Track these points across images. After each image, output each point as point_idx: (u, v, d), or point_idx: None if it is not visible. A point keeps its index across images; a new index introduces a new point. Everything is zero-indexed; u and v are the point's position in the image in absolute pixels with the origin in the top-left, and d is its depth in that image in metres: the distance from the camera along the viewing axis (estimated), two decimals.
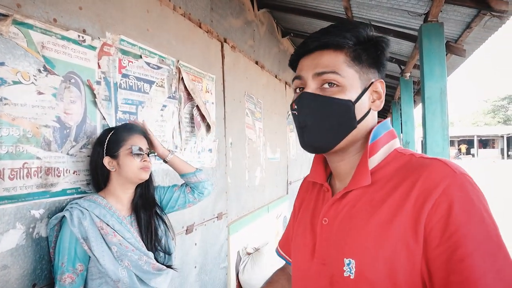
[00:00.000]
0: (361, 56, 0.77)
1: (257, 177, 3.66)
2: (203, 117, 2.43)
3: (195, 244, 2.41)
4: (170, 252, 1.54)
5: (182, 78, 2.21)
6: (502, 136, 37.34)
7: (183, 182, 1.69)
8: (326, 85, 0.76)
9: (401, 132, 6.85)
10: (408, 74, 5.71)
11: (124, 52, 1.74)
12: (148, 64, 1.91)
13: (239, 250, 3.29)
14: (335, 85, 0.75)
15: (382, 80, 0.80)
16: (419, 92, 6.69)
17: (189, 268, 2.32)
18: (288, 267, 1.07)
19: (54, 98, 1.34)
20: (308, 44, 0.79)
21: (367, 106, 0.78)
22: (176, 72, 2.17)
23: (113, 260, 1.28)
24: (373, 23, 3.83)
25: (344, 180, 0.82)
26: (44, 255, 1.30)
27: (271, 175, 4.18)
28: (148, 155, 1.46)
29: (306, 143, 0.80)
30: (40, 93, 1.29)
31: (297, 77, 0.81)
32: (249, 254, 3.37)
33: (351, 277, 0.71)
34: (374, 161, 0.77)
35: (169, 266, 1.48)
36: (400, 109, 6.77)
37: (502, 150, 37.49)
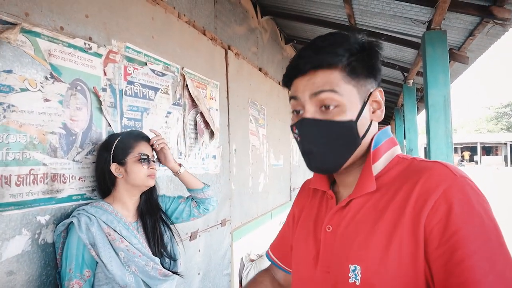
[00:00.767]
0: (357, 69, 0.74)
1: (260, 183, 3.66)
2: (207, 124, 2.44)
3: (199, 250, 2.40)
4: (175, 258, 1.54)
5: (186, 85, 2.22)
6: (506, 143, 37.19)
7: (189, 195, 1.70)
8: (324, 108, 0.73)
9: (404, 139, 6.83)
10: (411, 81, 5.71)
11: (130, 59, 1.75)
12: (153, 71, 1.92)
13: (243, 257, 3.29)
14: (335, 107, 0.73)
15: (381, 89, 0.78)
16: (422, 99, 6.69)
17: (192, 275, 2.32)
18: (273, 268, 1.06)
19: (61, 105, 1.36)
20: (301, 66, 0.75)
21: (369, 119, 0.76)
22: (180, 79, 2.19)
23: (121, 265, 1.28)
24: (376, 30, 3.85)
25: (348, 187, 0.81)
26: (49, 261, 1.30)
27: (275, 181, 4.18)
28: (154, 162, 1.47)
29: (313, 168, 0.80)
30: (46, 100, 1.30)
31: (294, 98, 0.78)
32: (252, 261, 3.36)
33: (357, 284, 0.70)
34: (377, 167, 0.77)
35: (175, 272, 1.48)
36: (403, 116, 6.76)
37: (505, 157, 37.33)
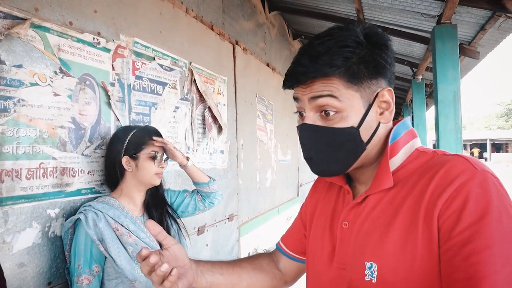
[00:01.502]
0: (358, 73, 0.69)
1: (268, 179, 3.66)
2: (215, 119, 2.44)
3: (207, 245, 2.42)
4: None
5: (194, 80, 2.23)
6: None
7: (194, 188, 1.71)
8: (324, 113, 0.70)
9: None
10: (420, 77, 5.66)
11: (138, 54, 1.76)
12: (161, 66, 1.93)
13: (250, 252, 3.30)
14: (335, 113, 0.69)
15: (390, 88, 0.73)
16: (431, 95, 6.63)
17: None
18: (277, 254, 1.04)
19: (70, 99, 1.37)
20: (298, 77, 0.72)
21: (375, 122, 0.72)
22: (188, 74, 2.19)
23: (129, 260, 1.29)
24: (385, 25, 3.82)
25: (365, 183, 0.79)
26: (59, 254, 1.32)
27: (282, 177, 4.18)
28: (164, 161, 1.48)
29: (316, 172, 0.78)
30: (56, 94, 1.31)
31: (295, 99, 0.76)
32: None
33: (373, 281, 0.68)
34: (395, 162, 0.73)
35: None
36: (412, 112, 6.71)
37: None
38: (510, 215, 0.60)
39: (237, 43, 2.98)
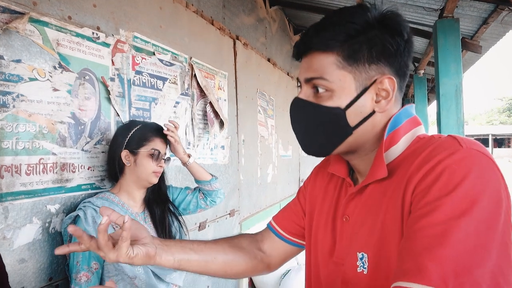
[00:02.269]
0: (358, 52, 0.67)
1: (269, 174, 3.66)
2: (216, 114, 2.43)
3: None
4: None
5: (194, 75, 2.22)
6: None
7: (197, 186, 1.69)
8: (317, 91, 0.70)
9: None
10: (422, 71, 5.63)
11: (138, 49, 1.75)
12: (161, 61, 1.92)
13: None
14: (325, 91, 0.69)
15: (391, 77, 0.68)
16: (433, 90, 6.60)
17: None
18: (264, 234, 0.99)
19: (69, 94, 1.36)
20: (300, 48, 0.73)
21: (369, 108, 0.69)
22: (189, 69, 2.18)
23: None
24: None
25: (364, 174, 0.77)
26: None
27: (283, 172, 4.17)
28: (164, 161, 1.46)
29: (304, 149, 0.77)
30: (55, 89, 1.30)
31: (298, 80, 0.76)
32: None
33: (365, 272, 0.67)
34: (395, 151, 0.70)
35: None
36: None
37: None
38: (491, 200, 0.54)
39: (237, 38, 2.96)
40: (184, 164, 1.60)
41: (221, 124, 2.50)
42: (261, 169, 3.43)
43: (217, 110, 2.40)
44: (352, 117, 0.68)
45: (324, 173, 0.90)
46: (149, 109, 1.80)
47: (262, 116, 3.50)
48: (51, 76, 1.29)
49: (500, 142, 40.45)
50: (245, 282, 3.10)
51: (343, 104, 0.68)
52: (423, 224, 0.55)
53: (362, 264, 0.67)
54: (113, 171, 1.42)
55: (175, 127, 1.52)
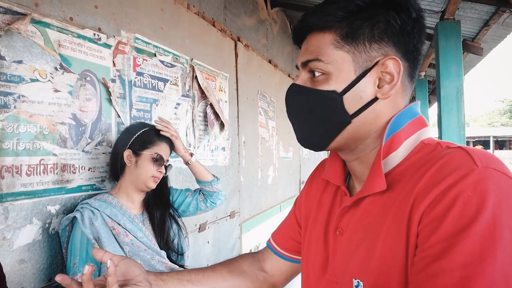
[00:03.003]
0: (358, 30, 0.59)
1: (269, 176, 3.66)
2: (216, 116, 2.43)
3: (208, 242, 2.41)
4: (182, 252, 1.52)
5: (196, 76, 2.22)
6: None
7: (197, 188, 1.67)
8: (313, 75, 0.63)
9: None
10: (423, 73, 5.63)
11: (139, 50, 1.75)
12: (162, 62, 1.92)
13: (251, 249, 3.29)
14: (321, 74, 0.62)
15: (396, 58, 0.60)
16: (434, 92, 6.60)
17: (201, 266, 2.33)
18: (264, 254, 0.94)
19: (70, 95, 1.36)
20: (297, 31, 0.67)
21: (370, 94, 0.61)
22: (190, 71, 2.18)
23: None
24: None
25: (362, 182, 0.67)
26: (59, 250, 1.32)
27: (284, 174, 4.17)
28: (165, 168, 1.44)
29: (299, 140, 0.70)
30: (56, 90, 1.31)
31: (297, 68, 0.69)
32: None
33: None
34: (395, 159, 0.61)
35: (181, 266, 1.46)
36: None
37: None
38: None
39: (239, 40, 2.97)
40: (186, 163, 1.58)
41: (222, 125, 2.50)
42: (261, 171, 3.43)
43: (218, 111, 2.40)
44: (351, 103, 0.60)
45: (320, 180, 0.82)
46: (150, 111, 1.80)
47: (263, 117, 3.50)
48: (52, 77, 1.29)
49: (501, 144, 40.40)
50: None
51: (340, 88, 0.60)
52: (435, 269, 0.47)
53: None
54: (114, 169, 1.42)
55: (167, 122, 1.48)
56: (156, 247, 1.37)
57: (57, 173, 1.31)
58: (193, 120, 2.20)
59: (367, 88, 0.60)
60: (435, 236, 0.48)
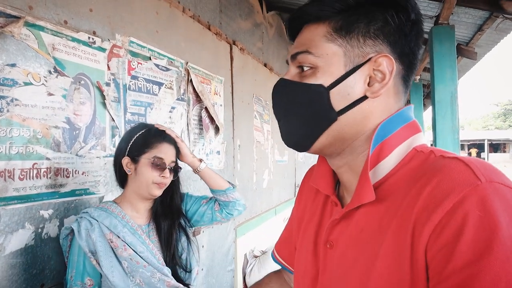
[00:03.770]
0: (353, 24, 0.57)
1: (265, 179, 3.65)
2: (211, 119, 2.43)
3: (202, 246, 2.40)
4: (190, 269, 1.37)
5: (191, 80, 2.22)
6: None
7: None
8: (301, 70, 0.61)
9: None
10: (418, 77, 5.68)
11: (134, 54, 1.75)
12: (157, 66, 1.91)
13: (246, 253, 3.29)
14: (309, 68, 0.59)
15: (390, 56, 0.57)
16: (429, 96, 6.64)
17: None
18: (284, 272, 0.91)
19: (64, 99, 1.35)
20: (291, 23, 0.65)
21: (359, 92, 0.58)
22: (185, 74, 2.18)
23: (124, 276, 1.16)
24: None
25: (351, 191, 0.63)
26: (52, 255, 1.30)
27: (279, 177, 4.17)
28: (172, 171, 1.31)
29: (283, 138, 0.66)
30: (50, 94, 1.30)
31: (287, 63, 0.66)
32: (256, 257, 3.36)
33: None
34: (385, 167, 0.58)
35: (186, 285, 1.32)
36: None
37: None
38: None
39: (234, 43, 2.97)
40: (195, 170, 1.43)
41: (217, 129, 2.50)
42: (256, 174, 3.42)
43: (213, 115, 2.40)
44: (338, 99, 0.57)
45: (309, 187, 0.78)
46: (144, 114, 1.80)
47: (258, 121, 3.50)
48: (46, 81, 1.29)
49: (495, 147, 40.68)
50: (239, 285, 3.09)
51: (327, 82, 0.57)
52: None
53: None
54: (117, 179, 1.34)
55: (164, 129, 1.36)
56: (160, 262, 1.24)
57: (50, 177, 1.30)
58: (188, 124, 2.20)
59: (356, 84, 0.57)
60: (451, 265, 0.44)
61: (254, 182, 3.35)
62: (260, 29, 3.72)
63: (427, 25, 3.35)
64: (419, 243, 0.47)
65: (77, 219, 1.21)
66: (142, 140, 1.28)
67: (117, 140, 1.59)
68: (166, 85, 1.98)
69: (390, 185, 0.57)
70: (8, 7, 1.17)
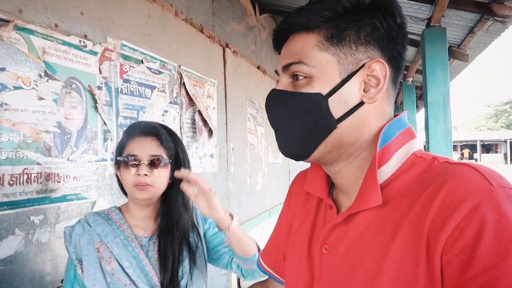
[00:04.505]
0: (343, 32, 0.57)
1: (258, 182, 3.65)
2: (205, 122, 2.42)
3: None
4: None
5: (183, 83, 2.21)
6: (505, 141, 37.19)
7: None
8: (295, 79, 0.61)
9: None
10: (410, 79, 5.71)
11: (126, 57, 1.74)
12: (149, 69, 1.90)
13: None
14: (303, 77, 0.59)
15: (383, 61, 0.58)
16: (421, 97, 6.69)
17: None
18: (270, 282, 0.88)
19: (55, 103, 1.34)
20: (278, 33, 0.65)
21: (356, 98, 0.58)
22: (177, 77, 2.17)
23: None
24: None
25: (349, 195, 0.63)
26: (43, 262, 1.29)
27: (273, 180, 4.17)
28: (152, 165, 1.08)
29: (280, 149, 0.65)
30: (40, 98, 1.29)
31: (277, 73, 0.66)
32: None
33: None
34: (385, 172, 0.58)
35: None
36: None
37: (505, 154, 37.33)
38: None
39: (227, 46, 2.97)
40: (224, 228, 1.15)
41: (210, 132, 2.49)
42: (250, 177, 3.42)
43: (206, 118, 2.39)
44: (336, 107, 0.58)
45: (299, 192, 0.77)
46: (137, 118, 1.78)
47: (251, 124, 3.50)
48: (36, 85, 1.27)
49: (487, 147, 41.06)
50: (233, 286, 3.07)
51: (324, 91, 0.57)
52: None
53: None
54: (120, 187, 1.19)
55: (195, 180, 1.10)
56: (152, 283, 1.05)
57: (41, 183, 1.28)
58: (181, 127, 2.19)
59: (352, 91, 0.58)
60: (471, 269, 0.44)
61: (248, 185, 3.35)
62: (253, 32, 3.72)
63: (419, 28, 3.38)
64: (436, 248, 0.47)
65: (76, 222, 1.11)
66: (120, 141, 1.16)
67: (109, 144, 1.58)
68: (158, 89, 1.97)
69: (393, 189, 0.57)
70: None
